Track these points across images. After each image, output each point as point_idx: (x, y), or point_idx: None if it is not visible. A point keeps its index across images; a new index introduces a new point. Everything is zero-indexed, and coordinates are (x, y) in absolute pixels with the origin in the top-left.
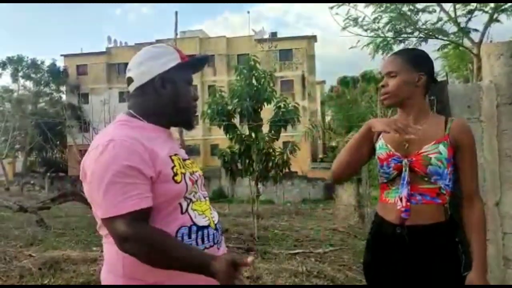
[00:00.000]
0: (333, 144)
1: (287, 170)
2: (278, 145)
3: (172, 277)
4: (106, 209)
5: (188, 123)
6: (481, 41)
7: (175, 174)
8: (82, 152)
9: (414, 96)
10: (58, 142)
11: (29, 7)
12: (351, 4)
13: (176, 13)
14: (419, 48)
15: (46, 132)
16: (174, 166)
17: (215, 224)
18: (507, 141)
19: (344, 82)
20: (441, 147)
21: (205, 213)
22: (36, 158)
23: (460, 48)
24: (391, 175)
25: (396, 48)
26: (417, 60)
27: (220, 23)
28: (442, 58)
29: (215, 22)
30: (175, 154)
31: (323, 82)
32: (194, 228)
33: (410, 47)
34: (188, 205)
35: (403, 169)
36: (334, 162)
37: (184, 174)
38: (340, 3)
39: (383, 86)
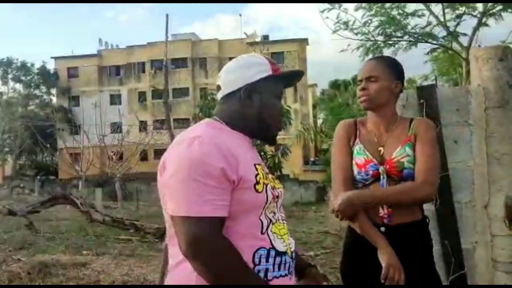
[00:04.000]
0: (325, 146)
1: (278, 173)
2: (269, 148)
3: None
4: (181, 207)
5: (270, 138)
6: (470, 45)
7: (257, 183)
8: (73, 155)
9: (389, 102)
10: (48, 145)
11: (18, 8)
12: (342, 8)
13: (167, 15)
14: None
15: (36, 135)
16: (258, 174)
17: (292, 252)
18: (495, 144)
19: (336, 85)
20: (407, 149)
21: (283, 238)
22: (26, 161)
23: (450, 52)
24: (368, 181)
25: (386, 51)
26: (397, 69)
27: (211, 26)
28: (431, 62)
29: (206, 24)
30: (259, 164)
31: (315, 85)
32: (273, 252)
33: (401, 50)
34: (268, 225)
35: (381, 176)
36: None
37: (267, 185)
38: (331, 6)
39: (363, 89)
